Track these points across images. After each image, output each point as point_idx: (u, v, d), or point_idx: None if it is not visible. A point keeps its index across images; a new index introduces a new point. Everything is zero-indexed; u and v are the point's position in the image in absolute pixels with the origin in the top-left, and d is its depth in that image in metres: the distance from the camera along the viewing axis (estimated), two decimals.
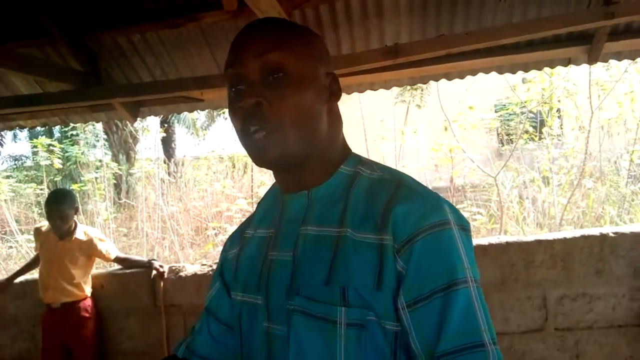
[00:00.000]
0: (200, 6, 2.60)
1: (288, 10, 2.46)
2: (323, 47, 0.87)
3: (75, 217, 3.18)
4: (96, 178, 7.26)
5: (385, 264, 0.73)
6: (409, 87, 7.27)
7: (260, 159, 0.80)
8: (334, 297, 0.74)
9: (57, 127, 11.98)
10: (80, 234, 3.15)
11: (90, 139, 10.08)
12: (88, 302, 3.12)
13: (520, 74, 3.47)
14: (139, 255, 5.31)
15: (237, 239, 0.96)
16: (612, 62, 3.77)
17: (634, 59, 3.17)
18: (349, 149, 0.89)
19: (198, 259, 5.79)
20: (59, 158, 7.55)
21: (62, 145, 8.36)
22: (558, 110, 6.44)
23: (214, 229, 6.12)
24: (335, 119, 0.86)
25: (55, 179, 8.70)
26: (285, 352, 0.77)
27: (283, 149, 0.78)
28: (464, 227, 0.78)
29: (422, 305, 0.71)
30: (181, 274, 3.15)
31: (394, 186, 0.79)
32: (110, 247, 3.26)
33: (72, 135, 9.68)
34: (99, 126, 9.38)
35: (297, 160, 0.80)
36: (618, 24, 2.55)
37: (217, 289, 0.98)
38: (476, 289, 0.73)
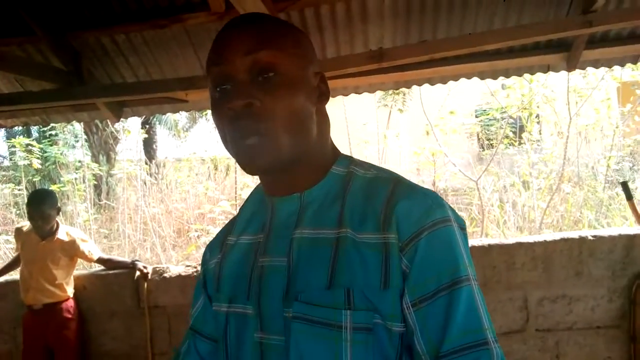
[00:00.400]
0: (185, 7, 2.59)
1: (273, 12, 2.48)
2: (311, 46, 0.84)
3: (57, 218, 3.14)
4: (76, 179, 7.16)
5: (391, 263, 0.71)
6: (391, 92, 7.34)
7: (252, 165, 0.75)
8: (338, 301, 0.70)
9: (36, 127, 11.79)
10: (62, 234, 3.11)
11: (70, 139, 9.94)
12: (70, 303, 3.08)
13: (500, 79, 3.54)
14: (121, 257, 5.25)
15: (217, 247, 0.91)
16: (589, 69, 3.86)
17: (610, 67, 3.25)
18: (338, 150, 0.87)
19: (180, 260, 5.75)
20: (37, 158, 7.43)
21: (41, 145, 8.22)
22: (537, 116, 6.57)
23: (197, 231, 6.08)
24: (325, 120, 0.83)
25: (34, 179, 8.55)
26: None
27: (276, 154, 0.74)
28: (461, 225, 0.77)
29: (427, 304, 0.70)
30: (165, 275, 3.13)
31: (392, 184, 0.77)
32: (92, 248, 3.23)
33: (50, 135, 9.53)
34: (79, 126, 9.25)
35: (290, 164, 0.77)
36: (595, 32, 2.62)
37: (202, 304, 0.92)
38: (477, 286, 0.73)
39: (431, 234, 0.71)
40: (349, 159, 0.85)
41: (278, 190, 0.81)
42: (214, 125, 0.80)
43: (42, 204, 3.04)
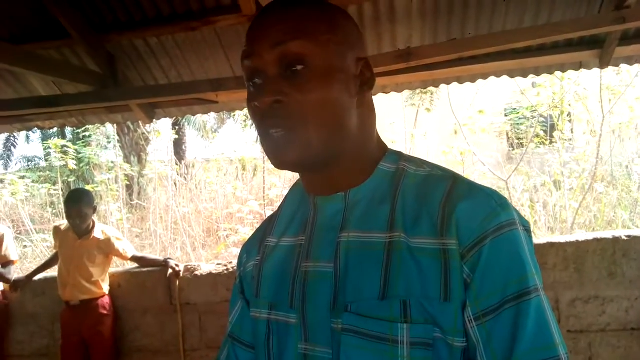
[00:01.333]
0: (216, 10, 2.65)
1: None
2: (353, 28, 0.74)
3: (93, 216, 3.24)
4: (109, 179, 7.34)
5: (452, 271, 0.64)
6: (418, 91, 7.30)
7: (279, 160, 0.70)
8: (394, 313, 0.64)
9: (70, 129, 12.12)
10: (98, 232, 3.21)
11: (103, 141, 10.19)
12: (106, 300, 3.17)
13: (530, 78, 3.49)
14: (153, 255, 5.37)
15: (255, 248, 0.84)
16: (623, 66, 3.77)
17: None
18: (385, 144, 0.79)
19: (210, 259, 5.84)
20: (72, 159, 7.64)
21: (75, 147, 8.46)
22: (569, 115, 6.44)
23: (225, 230, 6.17)
24: (369, 110, 0.75)
25: (69, 179, 8.80)
26: None
27: (305, 150, 0.68)
28: (526, 227, 0.69)
29: (492, 317, 0.62)
30: (197, 273, 3.19)
31: (450, 182, 0.69)
32: (127, 246, 3.32)
33: (84, 136, 9.79)
34: (111, 128, 9.48)
35: (323, 161, 0.71)
36: (629, 28, 2.56)
37: (240, 309, 0.85)
38: (545, 297, 0.66)
39: (496, 239, 0.64)
40: (399, 154, 0.77)
41: (320, 188, 0.75)
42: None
43: (79, 203, 3.14)
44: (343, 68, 0.70)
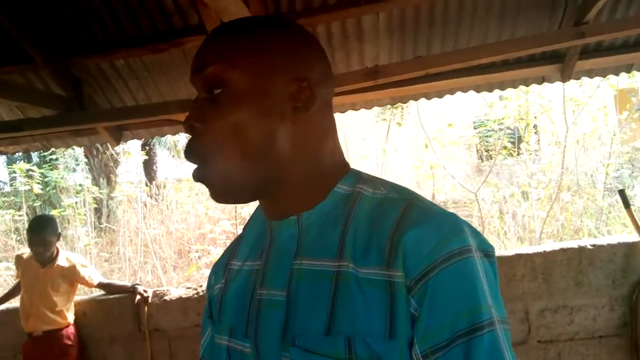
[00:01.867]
0: (184, 31, 2.63)
1: None
2: (291, 47, 0.69)
3: (57, 244, 3.14)
4: (76, 203, 7.17)
5: (398, 305, 0.60)
6: (389, 106, 7.39)
7: (212, 196, 0.67)
8: (338, 349, 0.60)
9: (36, 152, 11.82)
10: (62, 260, 3.11)
11: (70, 163, 9.97)
12: (71, 330, 3.06)
13: (497, 91, 3.57)
14: (122, 280, 5.25)
15: (221, 270, 0.81)
16: (585, 78, 3.90)
17: (604, 76, 3.29)
18: (346, 165, 0.74)
19: (181, 282, 5.73)
20: (38, 183, 7.45)
21: (41, 170, 8.25)
22: (534, 126, 6.61)
23: (197, 252, 6.08)
24: (315, 131, 0.69)
25: (35, 204, 8.56)
26: None
27: (226, 182, 0.66)
28: (488, 252, 0.63)
29: (441, 355, 0.58)
30: (166, 297, 3.12)
31: (403, 207, 0.64)
32: (92, 273, 3.23)
33: (51, 159, 9.57)
34: (79, 150, 9.30)
35: (256, 189, 0.68)
36: (589, 43, 2.65)
37: (210, 333, 0.81)
38: (503, 332, 0.60)
39: (445, 270, 0.58)
40: (357, 175, 0.72)
41: (273, 213, 0.71)
42: None
43: (42, 231, 3.04)
44: (268, 91, 0.66)
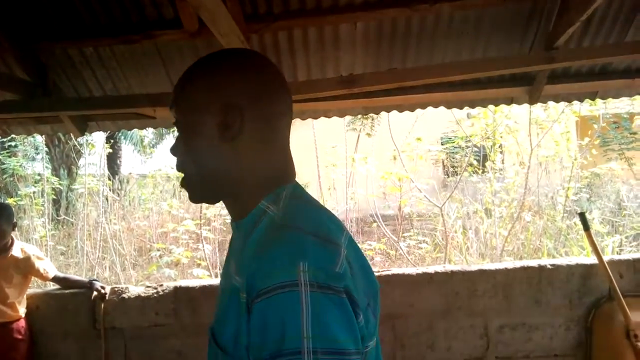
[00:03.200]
0: (157, 24, 2.58)
1: (246, 34, 2.49)
2: (218, 81, 0.81)
3: (12, 233, 3.02)
4: (34, 192, 6.94)
5: (242, 319, 0.72)
6: (360, 116, 7.43)
7: (189, 198, 0.88)
8: (219, 340, 0.78)
9: None
10: (16, 251, 2.99)
11: (30, 152, 9.66)
12: (21, 324, 2.94)
13: (466, 109, 3.63)
14: (78, 275, 5.08)
15: None
16: (550, 103, 4.01)
17: (570, 101, 3.38)
18: (280, 182, 0.83)
19: (141, 280, 5.60)
20: None
21: None
22: (500, 146, 6.76)
23: (159, 250, 5.95)
24: (245, 151, 0.80)
25: None
26: None
27: (191, 190, 0.85)
28: (328, 286, 0.67)
29: None
30: (124, 295, 3.03)
31: (270, 233, 0.75)
32: (48, 266, 3.11)
33: (10, 146, 9.25)
34: (40, 138, 9.01)
35: (214, 197, 0.86)
36: (557, 68, 2.73)
37: None
38: None
39: (264, 300, 0.66)
40: (277, 195, 0.81)
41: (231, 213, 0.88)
42: None
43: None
44: (199, 122, 0.81)
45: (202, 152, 0.81)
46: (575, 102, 4.04)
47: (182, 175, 0.85)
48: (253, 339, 0.68)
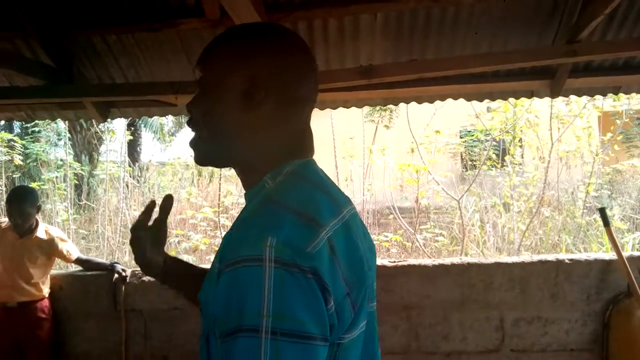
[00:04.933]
0: (180, 11, 2.61)
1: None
2: (252, 52, 0.81)
3: (37, 216, 3.11)
4: (57, 177, 7.08)
5: (212, 288, 0.70)
6: (378, 108, 7.41)
7: (194, 160, 0.87)
8: (202, 306, 0.75)
9: (18, 123, 11.62)
10: (41, 232, 3.07)
11: (53, 137, 9.83)
12: (45, 303, 3.03)
13: (485, 102, 3.60)
14: (100, 258, 5.19)
15: None
16: (572, 97, 3.96)
17: (592, 96, 3.34)
18: (289, 159, 0.82)
19: None
20: (19, 154, 7.33)
21: (23, 142, 8.12)
22: (520, 140, 6.69)
23: (177, 237, 6.04)
24: (260, 122, 0.81)
25: (14, 175, 8.42)
26: None
27: (198, 151, 0.84)
28: (293, 263, 0.65)
29: (221, 342, 0.65)
30: (144, 278, 3.10)
31: (256, 206, 0.76)
32: (71, 248, 3.19)
33: (33, 132, 9.43)
34: (62, 125, 9.17)
35: (222, 162, 0.90)
36: (579, 61, 2.69)
37: None
38: (270, 341, 0.61)
39: (229, 272, 0.65)
40: (281, 170, 0.81)
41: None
42: None
43: (22, 202, 3.00)
44: (223, 86, 0.81)
45: (220, 115, 0.81)
46: (598, 97, 3.99)
47: (193, 134, 0.84)
48: (217, 310, 0.66)
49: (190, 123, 0.85)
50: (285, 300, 0.63)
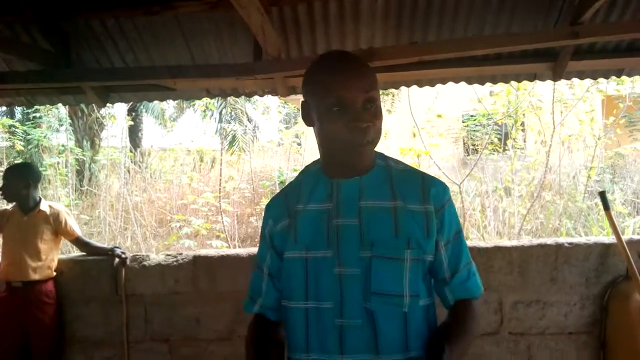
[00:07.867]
0: None
1: (266, 6, 2.48)
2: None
3: (39, 193, 3.14)
4: (58, 163, 7.08)
5: (430, 222, 1.19)
6: (380, 92, 7.37)
7: (358, 159, 1.20)
8: (402, 244, 1.16)
9: (19, 109, 11.60)
10: (44, 207, 3.09)
11: (54, 123, 9.81)
12: (49, 287, 3.02)
13: (487, 86, 3.57)
14: (101, 243, 5.21)
15: (283, 214, 1.26)
16: (575, 80, 3.92)
17: (595, 78, 3.31)
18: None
19: (161, 250, 5.72)
20: (20, 140, 7.33)
21: (24, 127, 8.11)
22: (522, 124, 6.65)
23: (178, 222, 6.06)
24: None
25: (16, 161, 8.43)
26: (357, 284, 1.15)
27: (370, 155, 1.23)
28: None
29: (451, 243, 1.23)
30: (144, 263, 3.11)
31: (421, 175, 1.27)
32: (74, 224, 3.21)
33: (34, 117, 9.40)
34: (63, 110, 9.14)
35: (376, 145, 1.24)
36: (582, 44, 2.66)
37: (272, 258, 1.28)
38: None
39: (447, 205, 1.23)
40: (382, 155, 1.29)
41: (343, 173, 1.21)
42: (322, 128, 1.18)
43: (22, 175, 3.06)
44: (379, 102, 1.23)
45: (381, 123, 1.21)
46: (601, 80, 3.95)
47: (370, 138, 1.16)
48: (445, 228, 1.23)
49: (373, 130, 1.16)
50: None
